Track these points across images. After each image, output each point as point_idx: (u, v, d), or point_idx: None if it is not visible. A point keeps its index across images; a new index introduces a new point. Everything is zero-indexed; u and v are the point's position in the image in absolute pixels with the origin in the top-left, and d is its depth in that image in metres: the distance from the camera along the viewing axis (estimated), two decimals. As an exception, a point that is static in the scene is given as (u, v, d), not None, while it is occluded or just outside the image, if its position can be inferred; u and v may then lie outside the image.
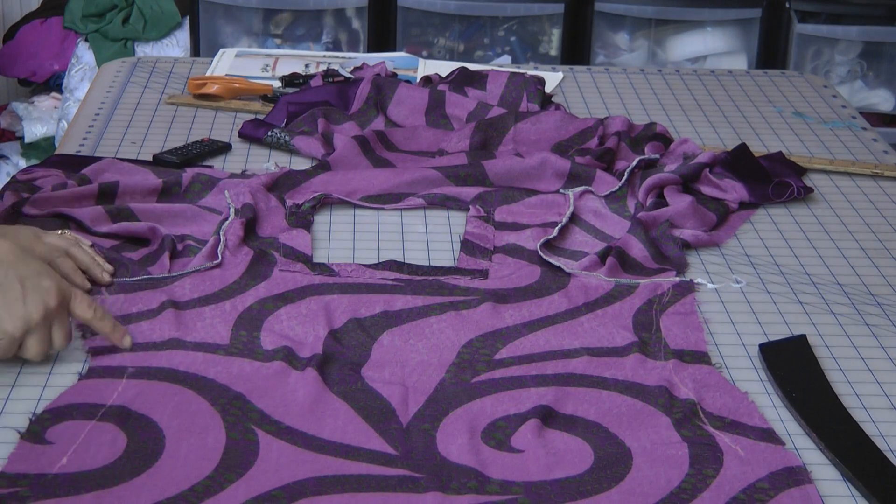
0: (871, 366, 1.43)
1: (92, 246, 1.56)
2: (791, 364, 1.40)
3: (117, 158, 1.85)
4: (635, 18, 3.57)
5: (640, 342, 1.43)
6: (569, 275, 1.58)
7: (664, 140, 1.98)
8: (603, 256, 1.61)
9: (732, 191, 1.81)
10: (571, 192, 1.79)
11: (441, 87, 2.11)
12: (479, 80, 2.15)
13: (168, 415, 1.27)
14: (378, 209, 1.77)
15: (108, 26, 3.78)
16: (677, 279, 1.58)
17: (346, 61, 2.34)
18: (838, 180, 1.94)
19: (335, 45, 3.60)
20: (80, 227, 1.64)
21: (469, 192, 1.79)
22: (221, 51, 2.45)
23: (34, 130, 3.80)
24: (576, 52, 3.57)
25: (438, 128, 2.01)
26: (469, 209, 1.76)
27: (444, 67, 2.29)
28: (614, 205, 1.78)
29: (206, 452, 1.22)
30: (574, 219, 1.74)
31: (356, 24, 3.60)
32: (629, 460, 1.23)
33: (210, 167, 1.88)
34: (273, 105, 2.10)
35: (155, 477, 1.18)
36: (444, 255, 1.65)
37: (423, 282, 1.55)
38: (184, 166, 1.86)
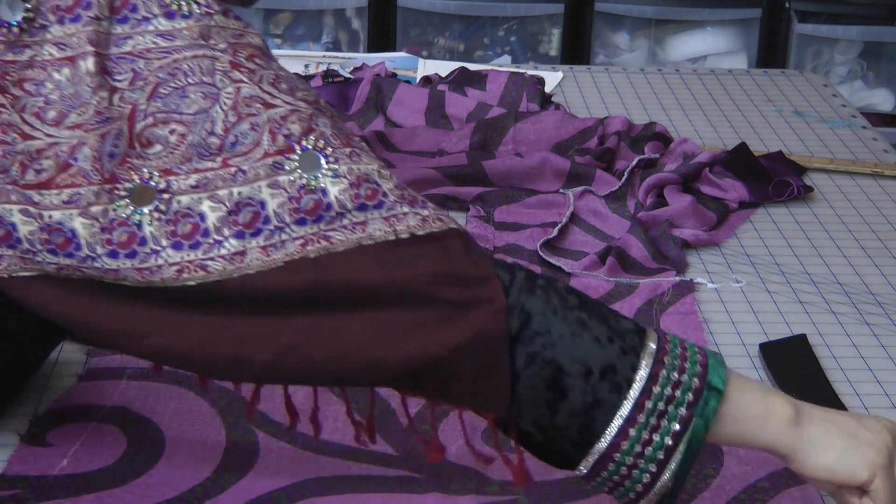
0: (871, 365, 1.43)
1: None
2: (791, 363, 1.40)
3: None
4: (635, 18, 3.57)
5: (640, 342, 1.43)
6: (569, 275, 1.58)
7: (664, 140, 1.98)
8: (603, 256, 1.61)
9: (732, 190, 1.81)
10: (571, 192, 1.79)
11: (441, 87, 2.10)
12: (478, 80, 2.15)
13: (168, 416, 1.27)
14: (378, 209, 1.77)
15: (108, 27, 3.77)
16: (677, 279, 1.58)
17: (346, 61, 2.34)
18: (838, 179, 1.94)
19: (335, 45, 3.60)
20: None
21: (469, 191, 1.79)
22: (221, 51, 2.45)
23: (34, 131, 3.79)
24: (576, 52, 3.57)
25: (438, 128, 2.01)
26: (469, 209, 1.76)
27: (444, 67, 2.29)
28: (614, 205, 1.78)
29: (207, 453, 1.22)
30: (574, 219, 1.74)
31: (356, 24, 3.60)
32: (629, 460, 1.23)
33: (210, 168, 1.88)
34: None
35: (155, 478, 1.18)
36: (444, 255, 1.65)
37: (423, 282, 1.55)
38: (184, 167, 1.86)
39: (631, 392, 1.00)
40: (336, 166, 1.01)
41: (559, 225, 1.70)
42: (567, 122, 1.99)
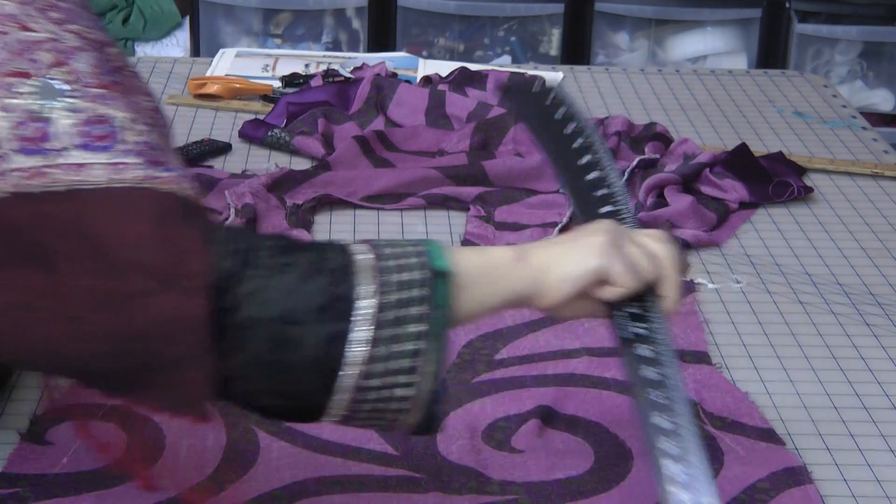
0: (871, 366, 1.43)
1: None
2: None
3: (117, 158, 1.84)
4: (635, 18, 3.57)
5: (640, 342, 1.43)
6: (569, 275, 1.58)
7: (664, 140, 1.98)
8: (603, 256, 1.60)
9: (732, 191, 1.81)
10: (571, 192, 1.78)
11: (441, 87, 2.11)
12: (479, 80, 2.15)
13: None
14: (378, 209, 1.77)
15: (108, 26, 3.78)
16: (677, 279, 1.58)
17: (346, 61, 2.34)
18: (838, 180, 1.94)
19: (335, 45, 3.60)
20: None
21: (469, 191, 1.79)
22: (221, 51, 2.45)
23: (34, 130, 3.79)
24: (576, 52, 3.57)
25: (438, 128, 2.01)
26: (469, 209, 1.76)
27: (444, 67, 2.29)
28: (614, 205, 1.78)
29: (207, 452, 1.22)
30: (574, 219, 1.74)
31: (356, 24, 3.60)
32: (629, 460, 1.23)
33: (210, 167, 1.88)
34: (273, 105, 2.10)
35: (155, 477, 1.18)
36: (445, 255, 1.65)
37: (423, 282, 1.55)
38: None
39: (362, 312, 0.94)
40: (75, 101, 0.95)
41: (559, 225, 1.70)
42: (567, 122, 1.99)
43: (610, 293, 1.03)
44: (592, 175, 1.17)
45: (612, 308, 1.05)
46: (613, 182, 1.16)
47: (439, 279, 0.97)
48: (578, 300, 1.04)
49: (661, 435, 0.97)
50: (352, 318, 0.94)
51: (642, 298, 1.05)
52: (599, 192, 1.16)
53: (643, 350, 1.03)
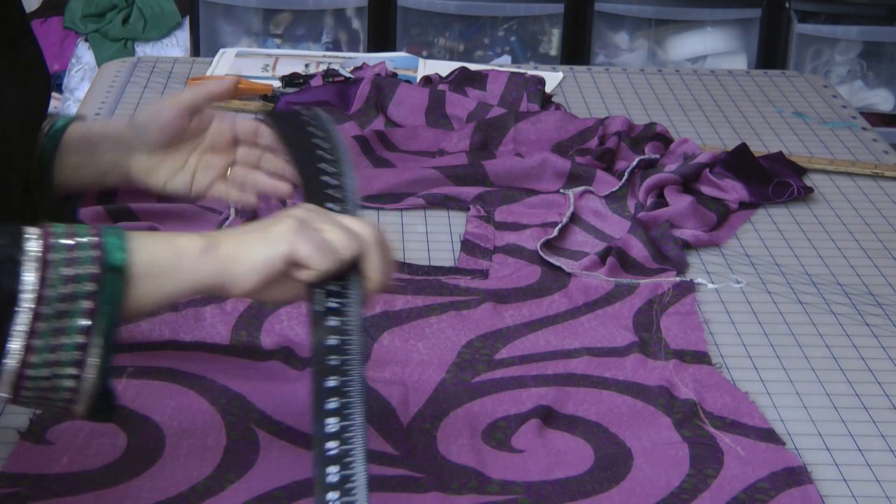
0: (871, 366, 1.43)
1: None
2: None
3: (117, 158, 1.84)
4: (635, 18, 3.57)
5: (640, 342, 1.43)
6: (569, 275, 1.58)
7: (664, 140, 1.98)
8: (603, 256, 1.61)
9: (732, 191, 1.81)
10: (571, 192, 1.79)
11: (441, 87, 2.10)
12: (479, 80, 2.15)
13: (168, 415, 1.27)
14: (378, 209, 1.77)
15: (108, 26, 3.78)
16: (677, 279, 1.58)
17: (346, 61, 2.34)
18: (838, 180, 1.94)
19: (335, 45, 3.60)
20: (80, 227, 1.64)
21: (469, 191, 1.79)
22: (221, 51, 2.45)
23: (34, 130, 3.79)
24: (576, 52, 3.57)
25: (438, 128, 2.01)
26: (469, 209, 1.76)
27: (444, 67, 2.28)
28: (614, 205, 1.78)
29: (207, 452, 1.22)
30: (574, 219, 1.74)
31: (356, 24, 3.60)
32: (629, 460, 1.23)
33: (210, 167, 1.88)
34: (273, 105, 2.10)
35: (155, 477, 1.18)
36: (445, 255, 1.65)
37: (423, 282, 1.55)
38: (184, 166, 1.86)
39: (21, 304, 0.95)
40: None
41: (559, 225, 1.70)
42: (567, 122, 1.99)
43: (306, 275, 1.03)
44: (326, 178, 1.18)
45: (312, 286, 1.05)
46: (345, 184, 1.17)
47: (111, 274, 0.97)
48: (278, 285, 1.04)
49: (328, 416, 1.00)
50: (13, 310, 0.95)
51: (345, 277, 1.05)
52: (329, 190, 1.16)
53: (332, 321, 1.04)
